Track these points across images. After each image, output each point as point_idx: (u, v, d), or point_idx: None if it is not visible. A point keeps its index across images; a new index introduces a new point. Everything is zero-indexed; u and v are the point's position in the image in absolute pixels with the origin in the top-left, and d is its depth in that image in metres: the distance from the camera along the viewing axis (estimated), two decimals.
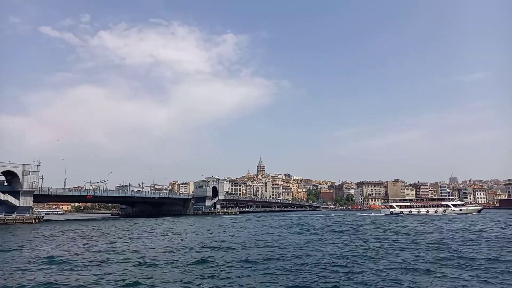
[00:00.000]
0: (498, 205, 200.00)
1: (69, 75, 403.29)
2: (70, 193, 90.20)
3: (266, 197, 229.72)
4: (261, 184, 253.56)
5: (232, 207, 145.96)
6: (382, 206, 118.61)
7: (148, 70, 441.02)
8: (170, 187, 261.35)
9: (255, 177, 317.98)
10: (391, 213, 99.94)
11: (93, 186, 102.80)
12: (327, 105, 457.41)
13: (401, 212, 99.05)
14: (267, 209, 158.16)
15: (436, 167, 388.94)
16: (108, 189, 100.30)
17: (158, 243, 29.36)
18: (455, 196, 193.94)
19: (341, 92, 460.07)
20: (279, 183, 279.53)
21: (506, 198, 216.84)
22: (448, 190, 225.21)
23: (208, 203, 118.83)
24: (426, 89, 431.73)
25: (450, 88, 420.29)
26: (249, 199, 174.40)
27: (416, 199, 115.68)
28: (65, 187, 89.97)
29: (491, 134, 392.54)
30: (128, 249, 25.13)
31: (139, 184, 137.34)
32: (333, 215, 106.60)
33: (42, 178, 75.51)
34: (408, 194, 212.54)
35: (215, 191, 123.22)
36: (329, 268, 17.34)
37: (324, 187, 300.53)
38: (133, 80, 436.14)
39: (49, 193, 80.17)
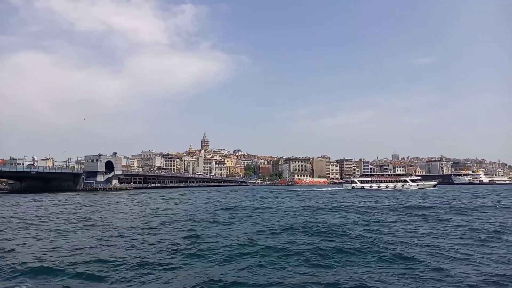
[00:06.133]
0: None
1: (12, 39, 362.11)
2: None
3: (197, 172, 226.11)
4: (193, 159, 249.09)
5: (140, 183, 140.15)
6: (344, 181, 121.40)
7: (100, 39, 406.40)
8: None
9: (197, 152, 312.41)
10: (353, 187, 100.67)
11: None
12: (284, 84, 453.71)
13: (363, 187, 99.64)
14: (181, 185, 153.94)
15: (380, 146, 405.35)
16: None
17: None
18: (376, 172, 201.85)
19: (299, 72, 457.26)
20: (217, 158, 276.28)
21: (424, 174, 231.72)
22: (370, 166, 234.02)
23: (101, 178, 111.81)
24: (381, 71, 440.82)
25: (401, 71, 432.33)
26: (164, 174, 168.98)
27: (377, 174, 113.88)
28: None
29: (433, 116, 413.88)
30: None
31: (33, 158, 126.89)
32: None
33: None
34: (332, 170, 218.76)
35: (110, 166, 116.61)
36: None
37: (264, 163, 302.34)
38: (83, 49, 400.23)
39: None
